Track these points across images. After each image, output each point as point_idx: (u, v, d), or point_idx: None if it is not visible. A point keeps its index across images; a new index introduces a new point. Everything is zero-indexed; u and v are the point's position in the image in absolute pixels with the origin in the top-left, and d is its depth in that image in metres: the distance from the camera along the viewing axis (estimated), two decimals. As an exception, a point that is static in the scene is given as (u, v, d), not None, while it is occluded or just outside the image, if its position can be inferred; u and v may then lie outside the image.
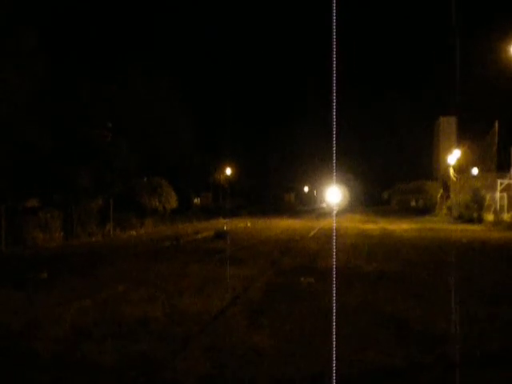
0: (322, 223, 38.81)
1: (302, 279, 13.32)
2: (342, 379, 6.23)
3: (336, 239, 24.68)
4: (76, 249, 21.43)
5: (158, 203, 38.21)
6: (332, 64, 6.00)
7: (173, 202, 40.44)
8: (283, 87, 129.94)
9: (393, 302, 10.42)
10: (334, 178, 23.52)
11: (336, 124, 6.22)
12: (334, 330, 7.76)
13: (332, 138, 6.30)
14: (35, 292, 11.65)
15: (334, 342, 6.88)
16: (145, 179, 39.11)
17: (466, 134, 63.37)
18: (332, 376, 5.85)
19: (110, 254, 19.36)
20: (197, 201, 57.92)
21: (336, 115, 6.14)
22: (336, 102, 6.11)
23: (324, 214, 58.80)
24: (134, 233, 29.00)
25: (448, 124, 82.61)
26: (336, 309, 9.19)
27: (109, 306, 10.04)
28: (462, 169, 59.22)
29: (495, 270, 15.34)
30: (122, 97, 36.85)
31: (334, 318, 8.44)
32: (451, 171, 58.64)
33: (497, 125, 50.79)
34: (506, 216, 42.99)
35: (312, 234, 28.94)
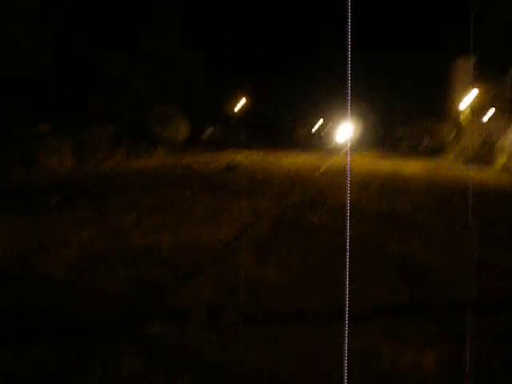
0: (334, 158, 38.67)
1: (311, 213, 13.36)
2: (349, 313, 6.31)
3: (346, 175, 24.64)
4: (87, 175, 21.48)
5: (169, 133, 38.03)
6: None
7: (185, 131, 40.23)
8: (298, 19, 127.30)
9: (400, 242, 10.45)
10: (348, 112, 23.22)
11: (351, 57, 6.09)
12: (341, 266, 7.83)
13: (347, 70, 6.18)
14: (45, 217, 11.74)
15: (343, 279, 6.94)
16: (157, 107, 38.76)
17: (482, 75, 62.47)
18: (339, 310, 5.91)
19: (120, 182, 19.41)
20: (209, 131, 57.58)
21: (351, 48, 6.00)
22: (351, 36, 5.97)
23: (337, 149, 58.55)
24: (145, 161, 28.97)
25: (464, 64, 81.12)
26: (343, 245, 9.24)
27: (119, 233, 10.12)
28: (476, 110, 58.60)
29: (505, 215, 15.30)
30: (136, 26, 36.41)
31: (341, 253, 8.51)
32: (465, 112, 58.03)
33: (513, 66, 49.97)
34: (518, 159, 42.70)
35: (323, 168, 28.86)
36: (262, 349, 5.51)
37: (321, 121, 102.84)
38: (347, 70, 6.04)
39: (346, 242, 9.32)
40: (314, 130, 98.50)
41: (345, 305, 5.75)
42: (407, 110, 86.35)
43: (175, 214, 12.57)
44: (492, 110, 57.58)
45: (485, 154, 43.44)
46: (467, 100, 57.68)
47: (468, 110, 57.53)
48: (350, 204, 14.84)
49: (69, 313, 6.34)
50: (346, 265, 7.55)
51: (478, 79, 60.79)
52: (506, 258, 9.45)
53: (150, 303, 6.54)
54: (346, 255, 7.97)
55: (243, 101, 61.96)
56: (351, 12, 5.76)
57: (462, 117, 60.19)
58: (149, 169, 25.40)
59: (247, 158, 34.80)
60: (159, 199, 14.96)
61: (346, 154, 45.71)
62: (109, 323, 6.08)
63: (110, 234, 10.03)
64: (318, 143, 75.84)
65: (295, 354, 5.48)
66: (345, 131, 38.37)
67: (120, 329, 5.97)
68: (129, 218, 11.71)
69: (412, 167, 34.99)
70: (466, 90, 60.93)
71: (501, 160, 42.40)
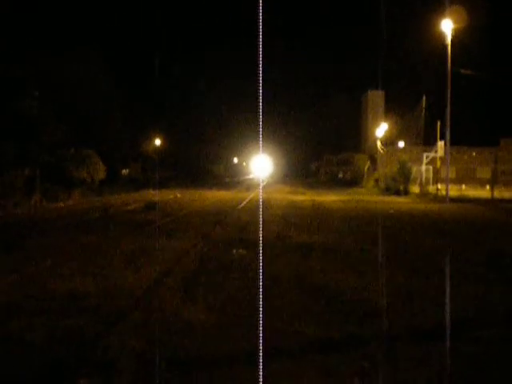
0: (252, 194, 38.94)
1: (234, 251, 13.31)
2: (277, 351, 6.27)
3: (266, 210, 24.80)
4: (1, 221, 20.82)
5: (86, 174, 37.52)
6: (259, 31, 5.93)
7: (101, 173, 39.78)
8: (209, 56, 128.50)
9: (325, 273, 10.51)
10: (261, 149, 23.48)
11: (262, 94, 6.17)
12: (268, 301, 7.80)
13: (258, 108, 6.25)
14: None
15: (268, 314, 6.89)
16: (72, 150, 38.28)
17: (394, 108, 64.61)
18: (263, 349, 5.86)
19: (37, 226, 18.89)
20: (125, 172, 57.13)
21: (262, 85, 6.08)
22: (262, 72, 6.05)
23: (253, 185, 58.98)
24: (61, 204, 28.38)
25: (376, 97, 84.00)
26: (270, 280, 9.25)
27: (38, 281, 9.77)
28: (389, 142, 60.42)
29: (421, 240, 15.67)
30: (49, 68, 35.96)
31: (268, 289, 8.49)
32: (378, 144, 59.72)
33: (424, 99, 51.89)
34: (430, 188, 44.26)
35: (242, 205, 28.98)
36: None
37: (235, 159, 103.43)
38: (259, 110, 6.11)
39: (271, 277, 9.36)
40: (230, 168, 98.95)
41: (262, 344, 5.71)
42: (321, 145, 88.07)
43: (96, 257, 12.27)
44: (402, 142, 59.57)
45: (399, 183, 44.75)
46: (379, 133, 59.46)
47: (380, 142, 59.24)
48: (274, 237, 14.96)
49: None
50: (271, 300, 7.54)
51: (389, 112, 62.79)
52: (420, 283, 9.65)
53: (72, 353, 6.29)
54: (271, 291, 7.95)
55: (157, 142, 61.96)
56: (262, 51, 5.86)
57: (375, 148, 61.86)
58: (66, 211, 24.86)
59: (166, 197, 34.62)
60: (79, 242, 14.57)
61: (263, 189, 46.16)
62: (34, 378, 5.81)
63: (29, 282, 9.68)
64: (235, 180, 76.23)
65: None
66: (261, 168, 38.76)
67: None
68: (49, 264, 11.34)
69: (330, 199, 35.58)
70: (377, 124, 62.81)
71: (414, 189, 43.76)
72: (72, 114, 38.00)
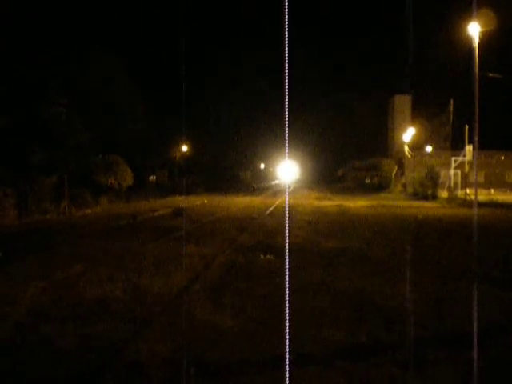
0: (279, 200, 38.90)
1: (262, 256, 13.32)
2: (306, 357, 6.26)
3: (293, 216, 24.76)
4: (31, 227, 21.03)
5: (113, 181, 37.72)
6: (284, 44, 5.94)
7: (129, 179, 39.98)
8: (239, 63, 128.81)
9: (352, 280, 10.48)
10: (288, 155, 23.47)
11: (289, 101, 6.16)
12: (295, 307, 7.80)
13: (285, 114, 6.25)
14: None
15: (295, 320, 6.88)
16: (100, 156, 38.54)
17: (421, 113, 64.22)
18: (289, 355, 5.85)
19: (66, 233, 19.06)
20: (153, 178, 57.31)
21: (289, 93, 6.08)
22: (289, 80, 6.04)
23: (280, 191, 58.98)
24: (89, 211, 28.61)
25: (402, 102, 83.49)
26: (297, 286, 9.24)
27: (68, 287, 9.86)
28: (416, 146, 60.02)
29: (449, 247, 15.52)
30: (77, 74, 36.25)
31: (295, 295, 8.49)
32: (406, 149, 59.38)
33: (451, 104, 51.48)
34: (459, 193, 43.85)
35: (269, 211, 28.98)
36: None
37: (262, 165, 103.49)
38: (285, 115, 6.11)
39: (299, 283, 9.35)
40: (257, 173, 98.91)
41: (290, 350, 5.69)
42: (347, 150, 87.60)
43: (124, 263, 12.34)
44: (430, 147, 59.17)
45: (427, 188, 44.44)
46: (406, 137, 59.12)
47: (408, 147, 58.90)
48: (301, 243, 14.91)
49: (18, 375, 6.07)
50: (299, 307, 7.52)
51: (416, 117, 62.39)
52: (445, 289, 9.57)
53: (104, 359, 6.33)
54: (299, 297, 7.92)
55: (184, 148, 62.13)
56: (289, 59, 5.87)
57: (403, 153, 61.53)
58: (94, 218, 25.04)
59: (193, 203, 34.72)
60: (107, 249, 14.67)
61: (290, 194, 46.09)
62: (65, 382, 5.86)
63: (59, 287, 9.76)
64: (262, 186, 76.25)
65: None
66: (288, 173, 38.75)
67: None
68: (78, 270, 11.44)
69: (357, 204, 35.42)
70: (404, 129, 62.48)
71: (442, 194, 43.42)
72: (98, 121, 38.24)
